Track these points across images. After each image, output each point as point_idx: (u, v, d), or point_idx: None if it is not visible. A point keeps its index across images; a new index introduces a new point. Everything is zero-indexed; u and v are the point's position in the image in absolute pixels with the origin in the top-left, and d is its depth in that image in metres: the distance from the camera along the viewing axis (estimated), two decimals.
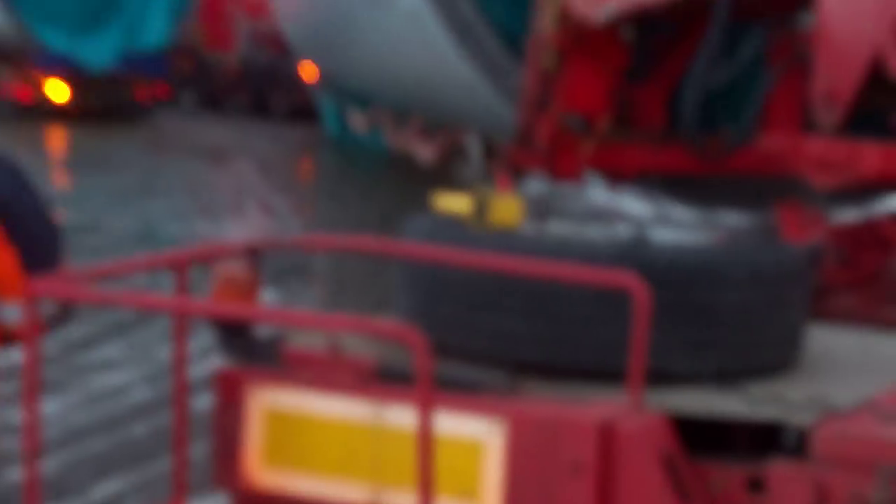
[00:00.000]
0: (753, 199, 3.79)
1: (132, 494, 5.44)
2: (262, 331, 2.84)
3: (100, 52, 19.99)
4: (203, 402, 3.14)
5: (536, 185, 3.97)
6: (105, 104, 20.71)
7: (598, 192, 3.42)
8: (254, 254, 2.82)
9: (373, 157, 16.72)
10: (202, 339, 3.62)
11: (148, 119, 21.37)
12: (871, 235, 4.10)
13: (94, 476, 5.68)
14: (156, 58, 20.79)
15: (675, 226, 3.26)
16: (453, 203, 3.04)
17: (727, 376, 2.86)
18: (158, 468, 5.58)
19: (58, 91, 20.43)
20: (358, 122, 15.85)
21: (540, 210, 3.13)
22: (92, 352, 7.14)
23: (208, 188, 13.82)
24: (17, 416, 3.37)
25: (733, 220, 3.19)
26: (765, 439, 2.87)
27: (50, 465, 5.49)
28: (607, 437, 2.66)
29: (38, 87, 20.31)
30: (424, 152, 13.07)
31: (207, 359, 4.54)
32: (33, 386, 2.56)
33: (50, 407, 6.08)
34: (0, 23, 19.91)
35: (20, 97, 20.48)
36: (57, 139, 19.49)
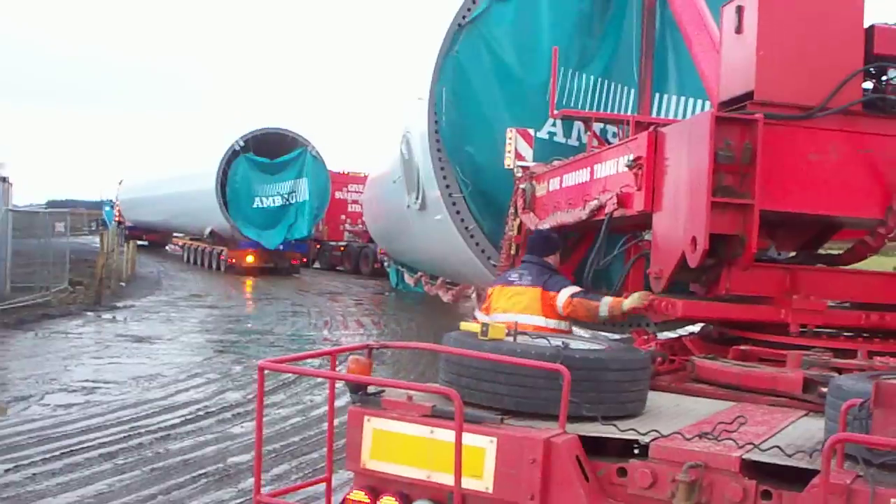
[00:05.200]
0: (620, 325, 5.43)
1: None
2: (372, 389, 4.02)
3: (273, 239, 34.79)
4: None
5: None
6: (275, 267, 35.24)
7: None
8: (369, 350, 4.13)
9: (417, 297, 25.05)
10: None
11: (296, 275, 35.20)
12: (679, 346, 5.39)
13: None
14: (301, 242, 35.86)
15: (582, 340, 4.57)
16: (470, 326, 4.26)
17: (608, 418, 3.82)
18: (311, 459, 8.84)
19: (250, 259, 34.88)
20: (409, 279, 23.69)
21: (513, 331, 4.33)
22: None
23: (329, 312, 21.99)
24: None
25: (612, 338, 4.65)
26: (627, 448, 3.75)
27: None
28: (548, 446, 3.58)
29: (241, 257, 35.39)
30: (446, 296, 20.03)
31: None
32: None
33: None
34: (223, 223, 35.06)
35: (231, 262, 35.69)
36: (249, 284, 31.65)
